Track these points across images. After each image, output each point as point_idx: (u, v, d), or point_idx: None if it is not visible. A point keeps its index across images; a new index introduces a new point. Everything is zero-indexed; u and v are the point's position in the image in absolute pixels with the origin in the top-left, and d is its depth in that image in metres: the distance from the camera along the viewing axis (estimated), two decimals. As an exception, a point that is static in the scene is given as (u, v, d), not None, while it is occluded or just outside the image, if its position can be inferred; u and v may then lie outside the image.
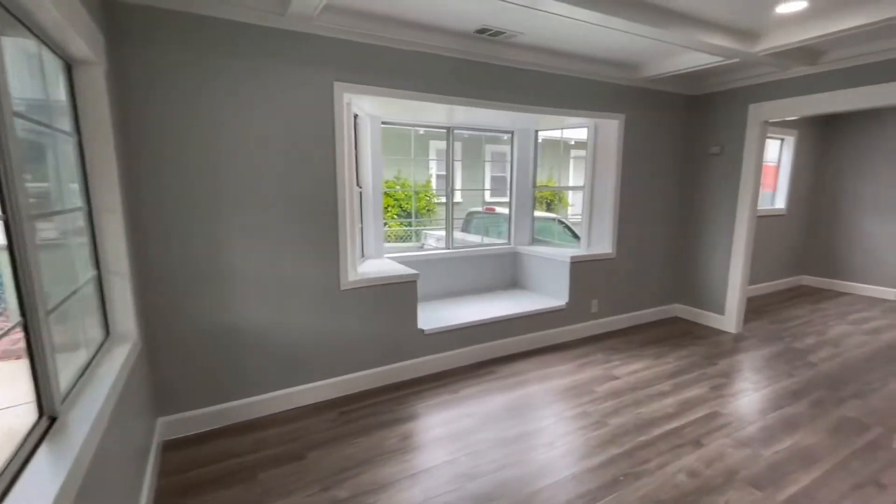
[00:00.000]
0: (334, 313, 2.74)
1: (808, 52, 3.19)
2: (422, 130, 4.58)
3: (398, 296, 2.97)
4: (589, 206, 4.07)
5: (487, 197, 8.83)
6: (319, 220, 2.62)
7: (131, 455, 1.72)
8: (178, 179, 2.23)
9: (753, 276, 5.27)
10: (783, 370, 3.18)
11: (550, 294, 3.96)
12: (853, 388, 2.88)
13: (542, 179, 4.63)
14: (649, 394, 2.82)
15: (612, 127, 3.78)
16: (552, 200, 8.90)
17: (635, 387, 2.92)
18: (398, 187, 8.32)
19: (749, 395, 2.80)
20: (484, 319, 3.34)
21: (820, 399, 2.74)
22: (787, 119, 4.85)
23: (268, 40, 2.34)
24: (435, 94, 2.89)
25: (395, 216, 8.28)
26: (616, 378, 3.06)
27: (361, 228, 3.45)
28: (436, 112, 3.41)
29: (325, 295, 2.69)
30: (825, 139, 5.63)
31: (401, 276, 2.96)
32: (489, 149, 9.20)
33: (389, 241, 7.29)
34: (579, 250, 4.01)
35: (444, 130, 3.91)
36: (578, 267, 3.78)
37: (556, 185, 8.14)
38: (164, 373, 2.33)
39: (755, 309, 4.75)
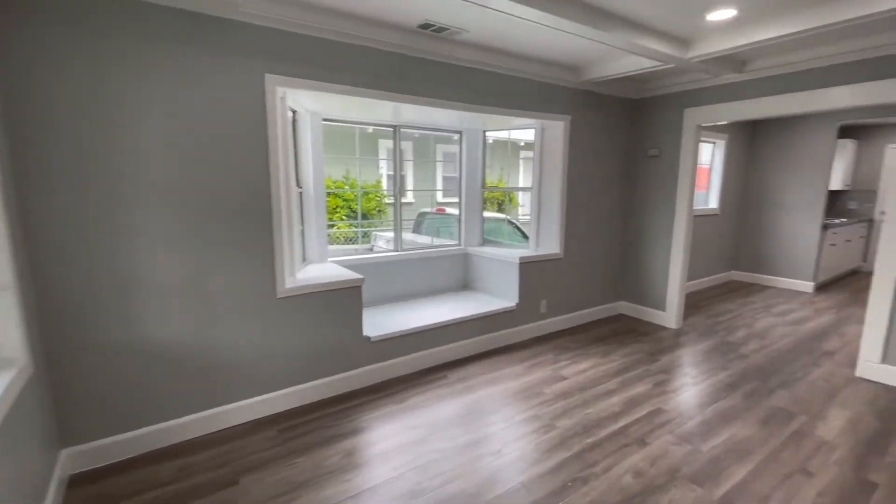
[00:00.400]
0: (270, 323, 2.54)
1: (735, 61, 3.36)
2: (370, 129, 4.43)
3: (341, 302, 2.81)
4: (537, 207, 4.10)
5: (440, 197, 8.77)
6: (250, 222, 2.41)
7: (20, 495, 1.47)
8: (73, 180, 1.96)
9: (691, 273, 5.56)
10: (718, 363, 3.33)
11: (500, 295, 3.94)
12: (780, 379, 3.06)
13: (492, 180, 4.62)
14: (596, 393, 2.85)
15: (558, 128, 3.81)
16: (503, 201, 8.99)
17: (583, 386, 2.94)
18: (347, 187, 8.06)
19: (689, 389, 2.90)
20: (433, 324, 3.25)
21: (752, 391, 2.88)
22: (718, 123, 5.12)
23: (187, 25, 2.11)
24: (377, 90, 2.76)
25: (345, 217, 8.02)
26: (565, 378, 3.07)
27: (302, 231, 3.26)
28: (381, 110, 3.28)
29: (259, 304, 2.49)
30: (751, 143, 6.03)
31: (344, 282, 2.80)
32: (441, 149, 9.14)
33: (338, 244, 7.04)
34: (528, 251, 4.02)
35: (391, 129, 3.78)
36: (527, 268, 3.78)
37: (506, 185, 8.22)
38: (67, 399, 2.05)
39: (693, 304, 4.99)
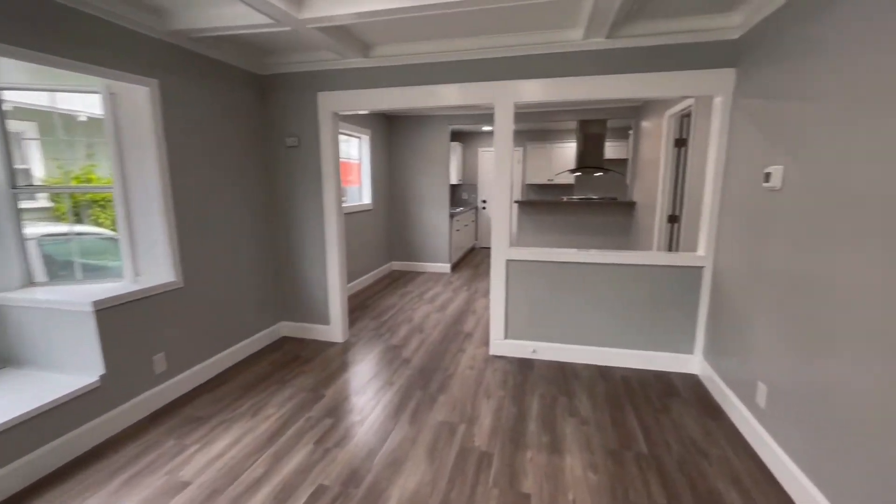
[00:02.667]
0: None
1: (360, 43, 3.02)
2: None
3: None
4: (125, 217, 2.69)
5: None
6: None
7: None
8: None
9: (355, 271, 5.36)
10: (385, 378, 3.02)
11: (70, 367, 2.37)
12: (439, 379, 3.00)
13: (55, 175, 2.80)
14: (237, 492, 1.92)
15: (139, 98, 2.52)
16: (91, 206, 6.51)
17: (218, 487, 1.95)
18: None
19: (356, 433, 2.39)
20: None
21: (418, 407, 2.65)
22: (356, 113, 4.93)
23: None
24: None
25: None
26: (187, 483, 1.98)
27: None
28: None
29: None
30: (390, 139, 6.36)
31: None
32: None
33: None
34: (118, 286, 2.58)
35: None
36: (115, 315, 2.39)
37: (82, 183, 5.89)
38: None
39: (358, 305, 4.76)
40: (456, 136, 8.51)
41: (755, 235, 2.31)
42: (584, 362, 3.24)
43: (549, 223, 6.26)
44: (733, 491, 1.89)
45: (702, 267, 2.93)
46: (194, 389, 2.88)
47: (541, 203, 6.31)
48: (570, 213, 6.18)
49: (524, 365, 3.22)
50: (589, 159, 6.40)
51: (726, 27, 2.58)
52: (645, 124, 5.21)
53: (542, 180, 8.28)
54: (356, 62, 3.21)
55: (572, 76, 2.89)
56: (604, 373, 3.08)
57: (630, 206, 5.86)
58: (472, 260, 7.48)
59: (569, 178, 8.13)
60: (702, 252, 2.93)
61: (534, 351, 3.33)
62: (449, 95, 3.11)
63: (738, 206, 2.54)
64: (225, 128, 3.12)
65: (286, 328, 3.85)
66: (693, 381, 2.93)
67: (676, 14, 2.54)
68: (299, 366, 3.24)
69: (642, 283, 3.06)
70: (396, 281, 5.91)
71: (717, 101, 2.74)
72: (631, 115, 5.60)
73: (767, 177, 2.16)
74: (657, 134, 4.56)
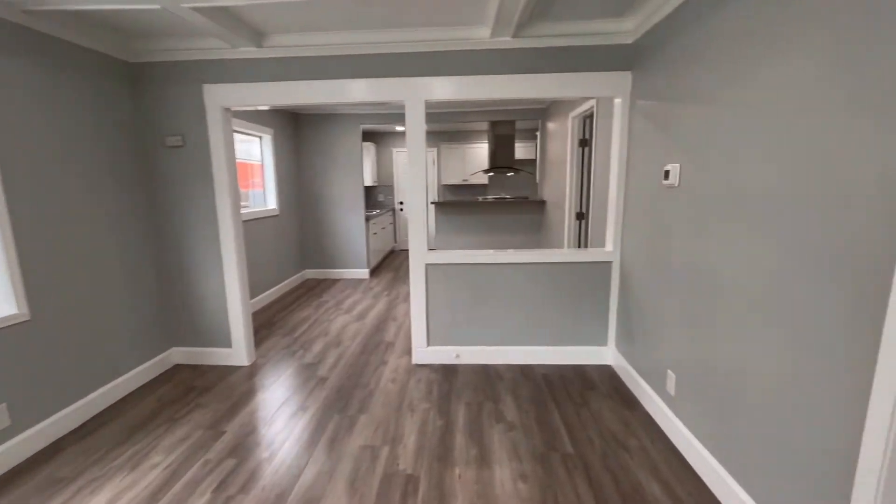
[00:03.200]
0: None
1: (251, 31, 2.70)
2: None
3: None
4: (-60, 237, 2.11)
5: None
6: None
7: None
8: None
9: (260, 284, 4.89)
10: (298, 402, 2.74)
11: None
12: (359, 398, 2.79)
13: None
14: (106, 572, 1.56)
15: (-49, 83, 1.98)
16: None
17: (78, 571, 1.56)
18: None
19: (263, 477, 2.10)
20: None
21: (336, 434, 2.41)
22: (254, 109, 4.51)
23: None
24: None
25: None
26: (36, 571, 1.57)
27: None
28: None
29: None
30: (296, 138, 5.93)
31: None
32: None
33: None
34: (-70, 326, 2.01)
35: None
36: (-77, 365, 1.84)
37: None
38: None
39: (267, 321, 4.33)
40: (369, 136, 8.24)
41: (656, 230, 2.43)
42: (506, 363, 3.23)
43: (466, 223, 6.28)
44: (654, 482, 1.95)
45: (610, 262, 3.06)
46: (57, 442, 2.36)
47: (457, 203, 6.31)
48: (486, 213, 6.25)
49: (449, 372, 3.12)
50: (500, 159, 6.54)
51: (621, 32, 2.71)
52: (551, 125, 5.42)
53: (458, 180, 8.33)
54: (249, 52, 2.86)
55: (482, 74, 2.85)
56: (526, 372, 3.09)
57: (541, 204, 6.07)
58: (392, 263, 7.28)
59: (483, 179, 8.27)
60: (609, 247, 3.06)
61: (457, 356, 3.24)
62: (358, 91, 2.90)
63: (641, 202, 2.67)
64: (84, 125, 2.59)
65: (179, 355, 3.35)
66: (609, 373, 3.05)
67: (577, 17, 2.60)
68: (195, 398, 2.82)
69: (557, 281, 3.12)
70: (311, 291, 5.52)
71: (617, 102, 2.86)
72: (538, 116, 5.80)
73: (666, 174, 2.28)
74: (563, 135, 4.76)
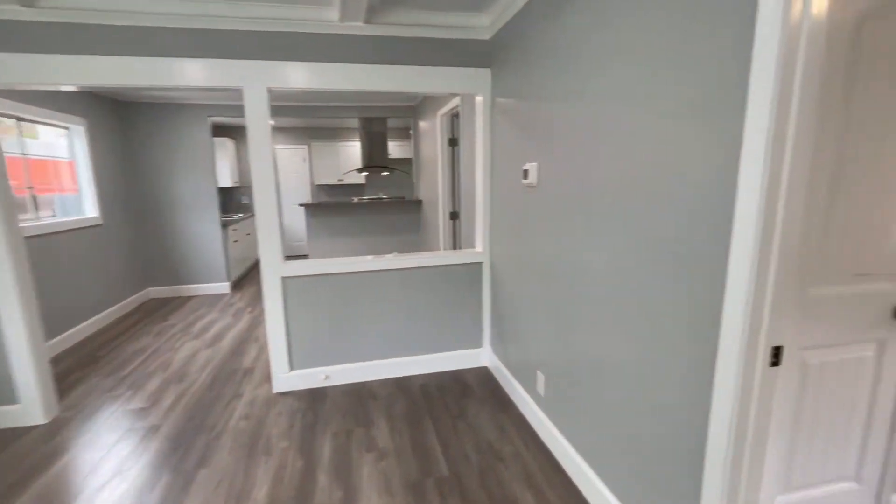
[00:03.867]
0: None
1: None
2: None
3: None
4: None
5: None
6: None
7: None
8: None
9: (77, 313, 3.90)
10: (114, 466, 2.15)
11: None
12: (200, 447, 2.29)
13: None
14: None
15: None
16: None
17: None
18: None
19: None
20: None
21: (164, 499, 1.92)
22: (48, 90, 3.59)
23: None
24: None
25: None
26: None
27: None
28: None
29: None
30: (123, 131, 4.90)
31: None
32: None
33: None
34: None
35: None
36: None
37: None
38: None
39: (88, 359, 3.45)
40: (226, 130, 7.29)
41: (521, 229, 2.41)
42: (382, 378, 2.99)
43: (342, 226, 5.88)
44: (528, 492, 1.88)
45: (481, 262, 3.01)
46: None
47: (331, 205, 5.87)
48: (362, 214, 5.93)
49: (316, 397, 2.77)
50: (375, 158, 6.26)
51: (479, 27, 2.64)
52: (422, 124, 5.31)
53: (333, 180, 7.83)
54: (14, 12, 2.15)
55: (335, 62, 2.54)
56: (402, 385, 2.89)
57: (417, 204, 5.96)
58: (258, 275, 6.52)
59: (360, 178, 7.91)
60: (479, 248, 3.01)
61: (326, 377, 2.90)
62: (190, 73, 2.38)
63: (506, 202, 2.64)
64: None
65: (-69, 424, 2.44)
66: (484, 374, 3.00)
67: (433, 7, 2.45)
68: (-49, 485, 2.04)
69: (433, 284, 2.97)
70: (153, 314, 4.61)
71: (479, 99, 2.80)
72: (409, 114, 5.65)
73: (525, 174, 2.25)
74: (433, 133, 4.66)
